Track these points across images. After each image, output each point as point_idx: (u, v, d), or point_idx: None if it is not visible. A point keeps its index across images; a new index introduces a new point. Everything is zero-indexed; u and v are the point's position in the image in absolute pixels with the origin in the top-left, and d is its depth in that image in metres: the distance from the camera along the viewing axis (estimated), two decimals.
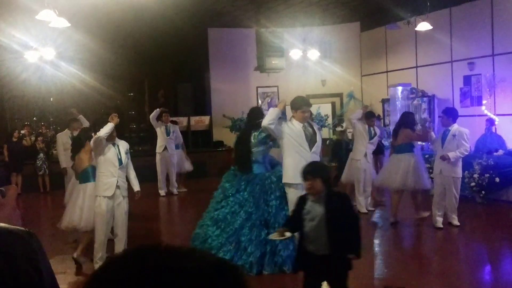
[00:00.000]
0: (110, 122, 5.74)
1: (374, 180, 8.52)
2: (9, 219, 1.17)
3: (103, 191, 5.74)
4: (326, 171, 3.93)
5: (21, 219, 1.26)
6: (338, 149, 10.15)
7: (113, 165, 5.77)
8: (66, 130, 9.55)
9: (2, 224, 1.08)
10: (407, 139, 7.60)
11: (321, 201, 3.70)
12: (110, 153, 5.78)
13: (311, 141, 5.56)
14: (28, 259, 1.04)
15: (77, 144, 6.40)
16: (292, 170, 5.49)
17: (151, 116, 10.77)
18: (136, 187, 6.07)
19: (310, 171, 3.79)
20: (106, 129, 5.66)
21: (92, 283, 0.75)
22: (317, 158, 5.63)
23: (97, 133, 5.71)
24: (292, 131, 5.51)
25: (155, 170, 11.02)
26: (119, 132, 6.37)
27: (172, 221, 9.58)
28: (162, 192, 11.09)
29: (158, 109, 10.78)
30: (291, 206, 5.54)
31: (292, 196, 5.51)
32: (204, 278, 0.72)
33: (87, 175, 6.23)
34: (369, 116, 8.58)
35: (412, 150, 7.64)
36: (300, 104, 5.58)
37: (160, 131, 10.87)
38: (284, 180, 5.63)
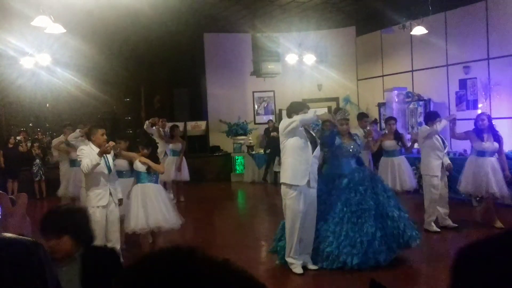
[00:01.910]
0: (105, 150, 5.55)
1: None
2: (19, 227, 1.17)
3: (97, 201, 5.67)
4: (78, 223, 2.62)
5: (31, 226, 1.26)
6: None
7: (103, 173, 5.72)
8: (61, 136, 9.44)
9: (9, 234, 1.08)
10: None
11: (73, 268, 2.51)
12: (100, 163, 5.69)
13: (313, 144, 5.55)
14: (34, 269, 1.04)
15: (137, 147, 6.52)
16: (291, 170, 5.43)
17: (144, 128, 10.26)
18: (120, 194, 5.96)
19: (50, 225, 2.51)
20: (92, 166, 5.51)
21: (127, 275, 0.76)
22: (316, 162, 5.61)
23: (84, 163, 5.54)
24: (300, 132, 5.45)
25: None
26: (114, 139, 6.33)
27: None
28: None
29: (147, 122, 10.10)
30: (288, 210, 5.51)
31: (287, 197, 5.45)
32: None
33: (142, 176, 6.27)
34: (361, 117, 8.31)
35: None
36: (302, 107, 5.56)
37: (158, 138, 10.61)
38: (282, 180, 5.57)
